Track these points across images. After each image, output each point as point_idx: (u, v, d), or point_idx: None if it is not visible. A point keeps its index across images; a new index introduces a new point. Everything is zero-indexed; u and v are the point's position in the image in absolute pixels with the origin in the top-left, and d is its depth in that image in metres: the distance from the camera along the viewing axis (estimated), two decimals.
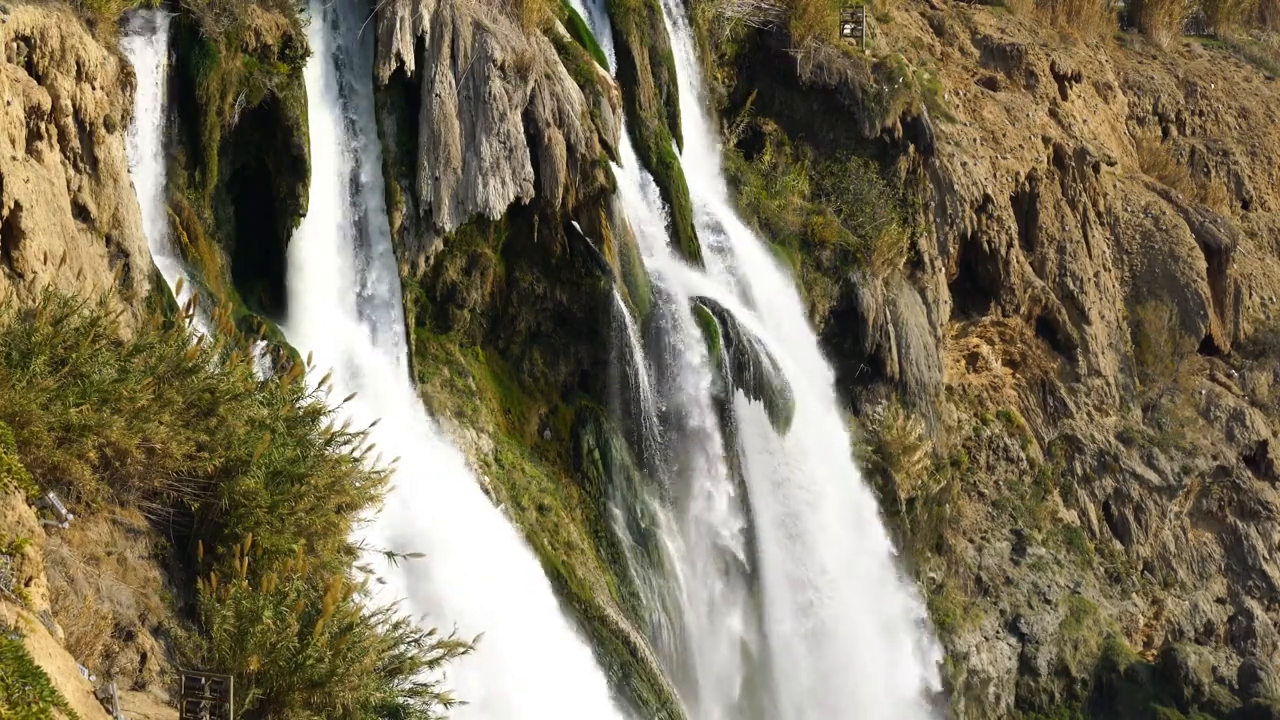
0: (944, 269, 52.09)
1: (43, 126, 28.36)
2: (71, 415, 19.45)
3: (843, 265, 48.02)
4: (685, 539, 41.69)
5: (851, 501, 46.11)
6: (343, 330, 36.39)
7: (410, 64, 37.21)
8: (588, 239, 39.86)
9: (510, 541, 37.13)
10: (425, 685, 20.17)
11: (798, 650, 43.66)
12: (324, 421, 22.66)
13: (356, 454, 22.54)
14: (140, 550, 20.47)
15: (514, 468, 39.00)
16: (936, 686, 47.94)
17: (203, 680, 18.07)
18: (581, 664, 36.82)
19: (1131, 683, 52.41)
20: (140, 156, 32.69)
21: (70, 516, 19.18)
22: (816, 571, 43.94)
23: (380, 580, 22.10)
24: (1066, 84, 60.46)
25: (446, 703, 20.31)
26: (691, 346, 41.15)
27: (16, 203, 26.10)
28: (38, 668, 14.56)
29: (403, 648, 20.10)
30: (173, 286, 30.86)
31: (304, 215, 35.33)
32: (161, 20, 33.71)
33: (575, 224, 39.80)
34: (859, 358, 48.18)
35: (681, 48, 46.95)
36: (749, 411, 42.25)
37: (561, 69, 39.70)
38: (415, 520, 31.67)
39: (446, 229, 37.79)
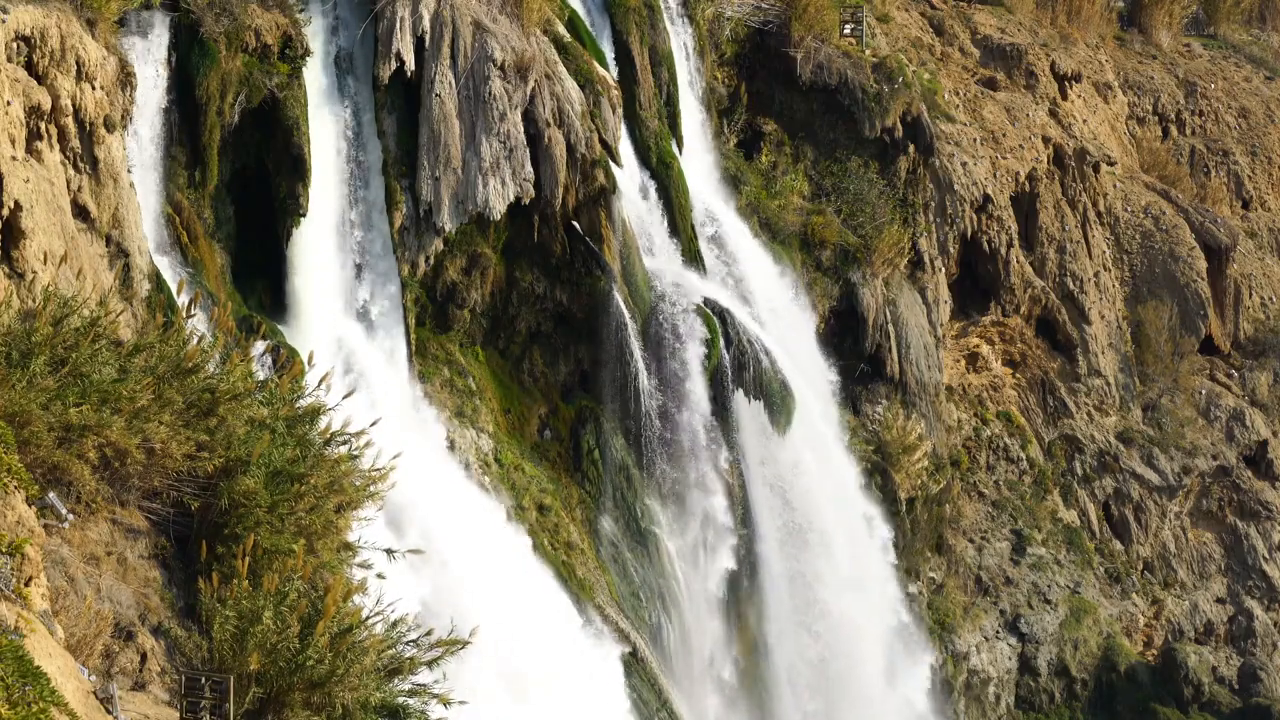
0: (944, 269, 52.09)
1: (43, 126, 28.37)
2: (71, 415, 19.42)
3: (843, 265, 48.02)
4: (685, 539, 41.69)
5: (851, 501, 46.08)
6: (343, 330, 36.40)
7: (410, 64, 37.22)
8: (588, 239, 39.86)
9: (510, 541, 37.16)
10: (424, 685, 20.17)
11: (798, 648, 43.65)
12: (323, 421, 22.63)
13: (356, 453, 22.53)
14: (140, 550, 20.45)
15: (514, 468, 39.01)
16: (936, 685, 47.94)
17: (203, 680, 18.05)
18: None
19: (1131, 683, 52.39)
20: (140, 156, 32.69)
21: (70, 516, 19.16)
22: (816, 570, 43.95)
23: (380, 576, 22.10)
24: (1066, 84, 60.44)
25: (446, 703, 20.30)
26: (691, 346, 41.15)
27: (16, 203, 26.13)
28: (38, 668, 14.55)
29: (402, 647, 20.07)
30: (173, 286, 30.92)
31: (304, 215, 35.36)
32: (161, 20, 33.74)
33: (575, 224, 39.81)
34: (859, 358, 48.19)
35: (681, 48, 46.94)
36: (749, 411, 42.25)
37: (561, 69, 39.70)
38: (414, 519, 31.69)
39: (446, 229, 37.80)
